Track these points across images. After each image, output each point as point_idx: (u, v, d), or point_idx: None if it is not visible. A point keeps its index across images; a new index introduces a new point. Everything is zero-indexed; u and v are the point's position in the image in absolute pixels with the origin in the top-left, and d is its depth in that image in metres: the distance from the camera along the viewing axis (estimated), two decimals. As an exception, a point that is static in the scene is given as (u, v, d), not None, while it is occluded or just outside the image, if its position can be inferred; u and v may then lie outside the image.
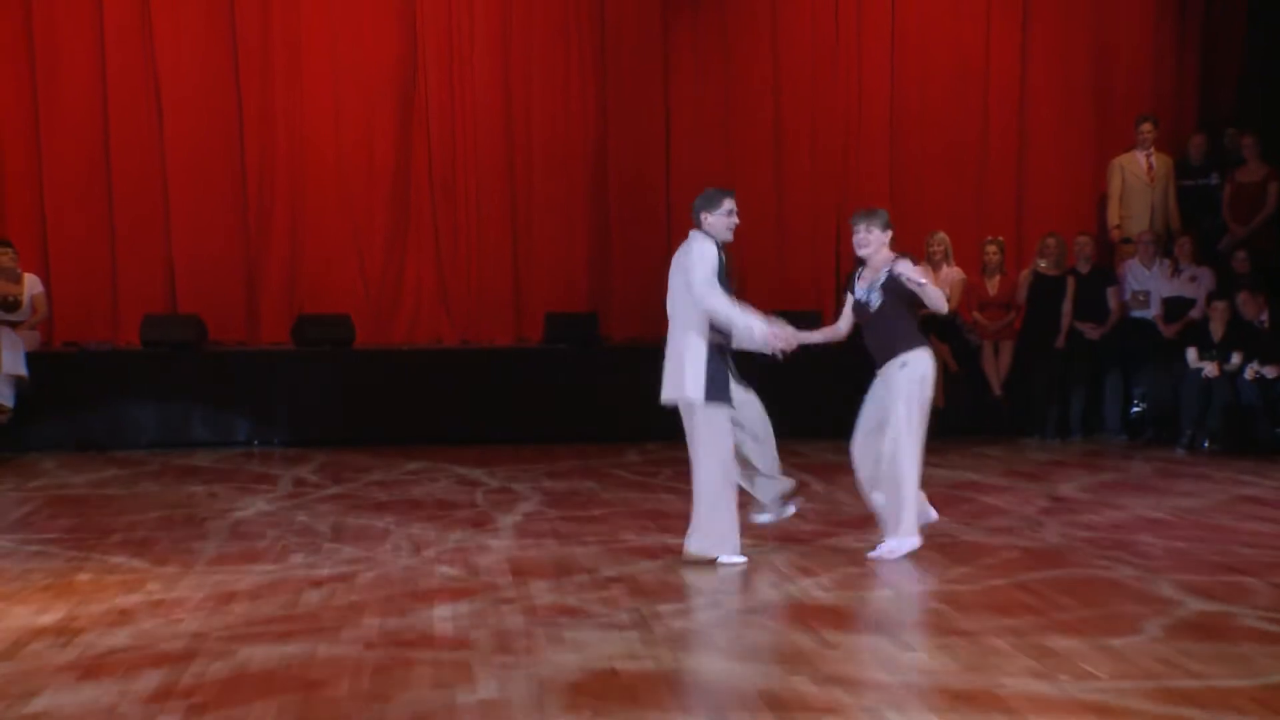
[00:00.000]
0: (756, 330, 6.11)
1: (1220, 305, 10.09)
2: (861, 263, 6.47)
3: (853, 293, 6.50)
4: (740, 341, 6.17)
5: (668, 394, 6.23)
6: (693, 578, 5.94)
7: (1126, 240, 11.32)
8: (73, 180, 11.21)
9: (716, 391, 6.12)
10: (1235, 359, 9.92)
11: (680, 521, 7.25)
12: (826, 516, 7.44)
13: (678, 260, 6.24)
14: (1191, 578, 5.90)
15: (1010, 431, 10.89)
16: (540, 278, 11.65)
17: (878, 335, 6.34)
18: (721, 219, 6.22)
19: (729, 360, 6.22)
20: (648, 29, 11.90)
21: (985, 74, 12.21)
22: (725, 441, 6.16)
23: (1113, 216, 11.50)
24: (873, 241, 6.36)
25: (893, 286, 6.23)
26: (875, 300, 6.30)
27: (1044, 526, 7.11)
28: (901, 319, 6.31)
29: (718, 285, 6.07)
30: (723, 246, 6.23)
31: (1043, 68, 12.24)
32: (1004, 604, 5.44)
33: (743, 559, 6.15)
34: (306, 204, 11.53)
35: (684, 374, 6.12)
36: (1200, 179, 11.40)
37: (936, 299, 6.19)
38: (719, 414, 6.14)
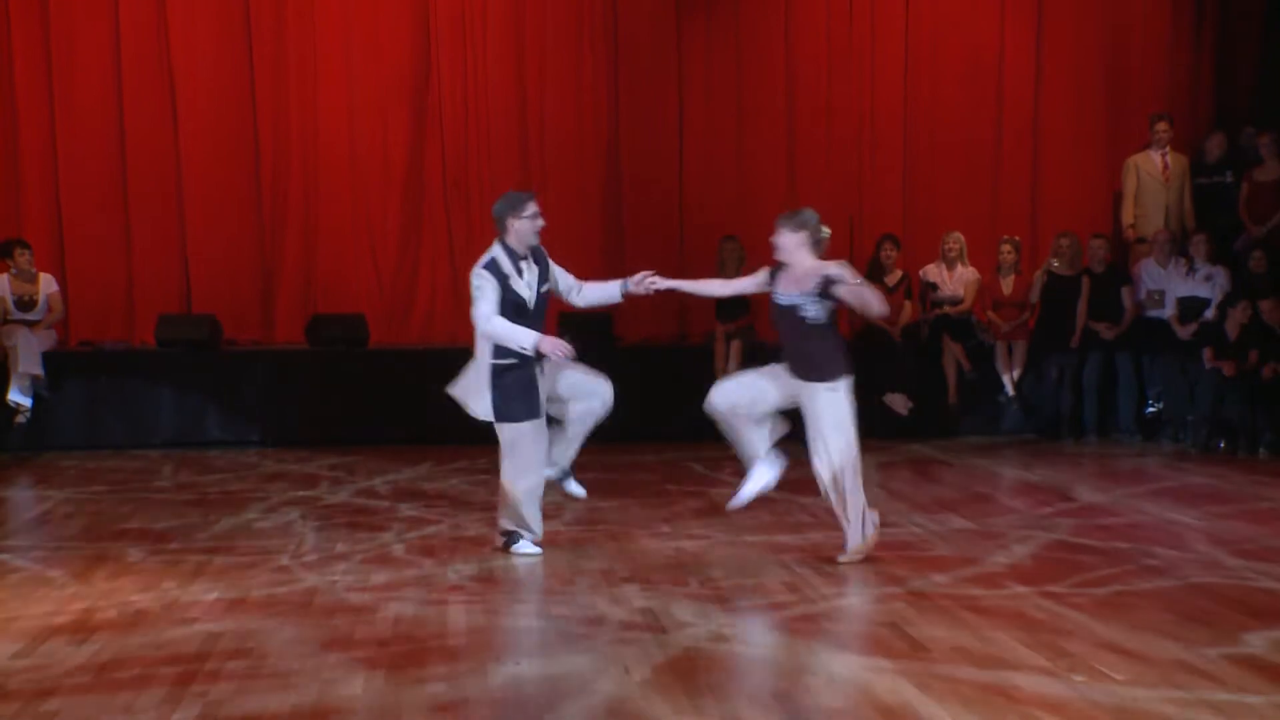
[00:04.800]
0: (529, 341, 6.09)
1: (1237, 308, 10.02)
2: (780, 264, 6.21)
3: (774, 294, 6.19)
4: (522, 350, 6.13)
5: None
6: (704, 576, 5.94)
7: (1141, 240, 11.29)
8: (89, 181, 11.25)
9: (509, 411, 6.19)
10: (1251, 359, 9.88)
11: (694, 517, 7.26)
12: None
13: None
14: (1205, 578, 5.89)
15: (1024, 431, 10.87)
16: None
17: (808, 348, 6.10)
18: (526, 223, 6.28)
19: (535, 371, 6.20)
20: (661, 28, 11.90)
21: (999, 73, 12.18)
22: (528, 455, 6.24)
23: (1127, 216, 11.46)
24: (786, 245, 6.11)
25: (827, 294, 6.00)
26: (812, 310, 6.03)
27: (1058, 527, 7.10)
28: (832, 336, 6.16)
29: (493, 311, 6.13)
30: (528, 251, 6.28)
31: (1057, 67, 12.20)
32: (1018, 604, 5.43)
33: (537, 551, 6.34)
34: (321, 204, 11.56)
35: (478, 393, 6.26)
36: (1216, 177, 11.36)
37: (876, 302, 6.08)
38: (517, 430, 6.22)
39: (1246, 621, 5.16)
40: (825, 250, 6.23)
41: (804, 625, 5.13)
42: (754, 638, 4.96)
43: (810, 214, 6.24)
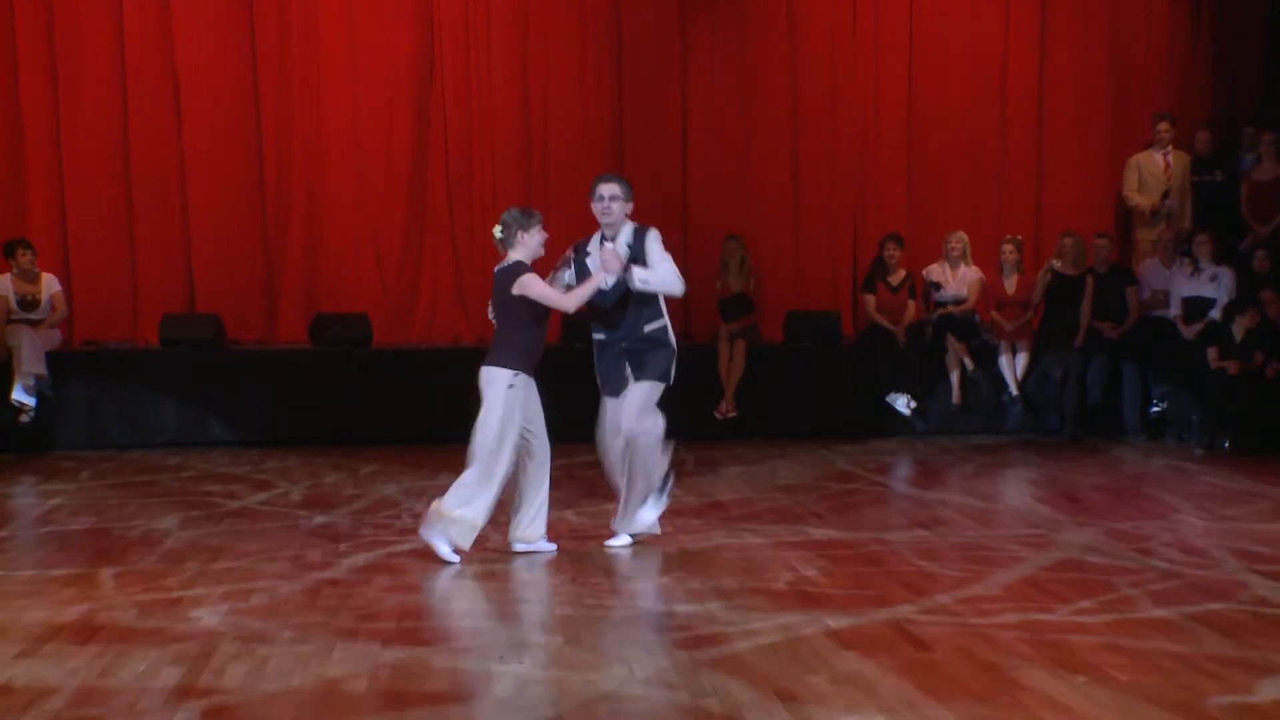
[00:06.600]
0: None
1: (1246, 315, 10.00)
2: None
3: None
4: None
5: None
6: (706, 574, 5.94)
7: (1155, 214, 11.20)
8: (93, 181, 11.25)
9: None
10: (1256, 359, 9.88)
11: (696, 515, 7.25)
12: (842, 514, 7.42)
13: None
14: (1207, 577, 5.88)
15: (1027, 431, 10.86)
16: (556, 263, 11.64)
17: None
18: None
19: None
20: (665, 28, 11.89)
21: (1003, 73, 12.18)
22: None
23: (1131, 196, 11.44)
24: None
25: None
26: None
27: (1062, 526, 7.09)
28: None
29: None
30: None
31: (1060, 66, 12.20)
32: (1022, 604, 5.43)
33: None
34: (324, 204, 11.56)
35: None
36: (1206, 175, 11.35)
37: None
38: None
39: (1258, 627, 5.15)
40: (504, 248, 6.37)
41: (807, 624, 5.12)
42: (756, 637, 4.95)
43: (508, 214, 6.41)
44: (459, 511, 6.15)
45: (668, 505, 6.70)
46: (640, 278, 6.30)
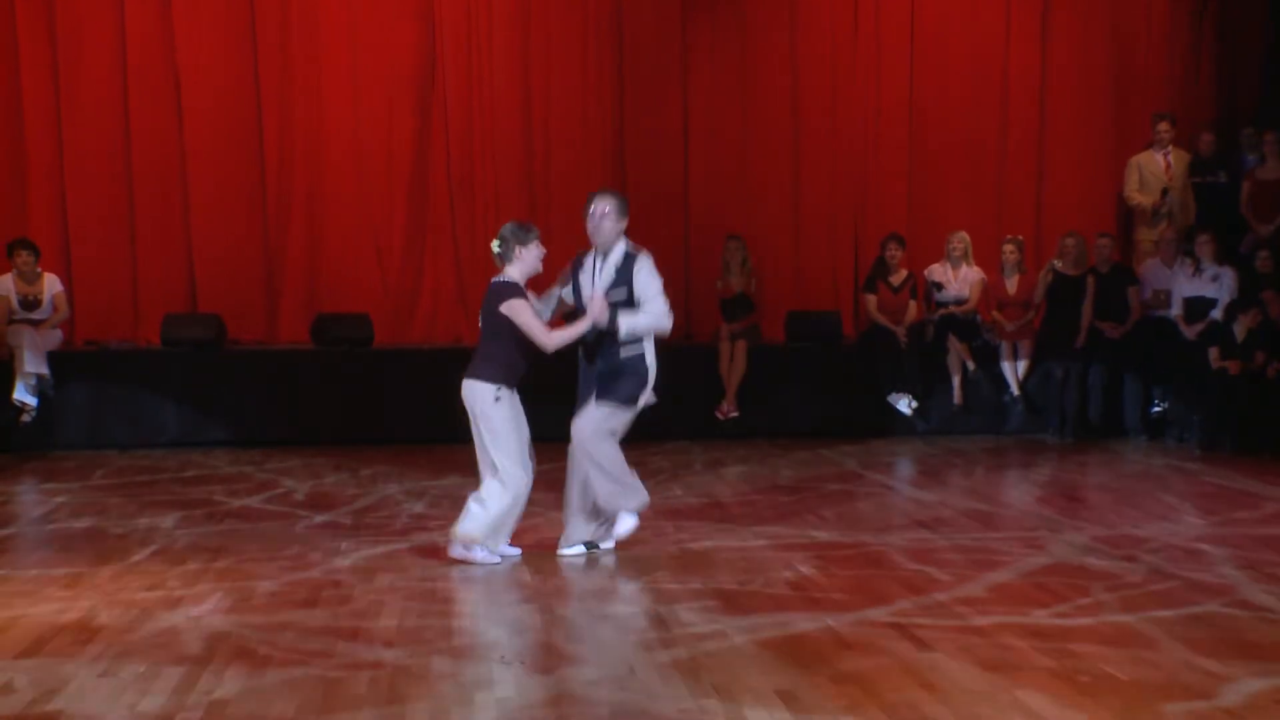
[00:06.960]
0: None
1: (1249, 314, 10.00)
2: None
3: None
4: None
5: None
6: (708, 575, 5.94)
7: (1155, 214, 11.20)
8: (94, 181, 11.25)
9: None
10: (1258, 359, 9.88)
11: (698, 516, 7.25)
12: (842, 514, 7.42)
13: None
14: (1207, 578, 5.88)
15: (1029, 431, 10.86)
16: (558, 277, 11.64)
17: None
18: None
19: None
20: (666, 29, 11.89)
21: (1004, 73, 12.18)
22: None
23: (1132, 196, 11.45)
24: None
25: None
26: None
27: (1062, 527, 7.09)
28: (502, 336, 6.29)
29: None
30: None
31: (1062, 66, 12.20)
32: (1022, 604, 5.43)
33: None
34: (326, 204, 11.56)
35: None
36: (1209, 176, 11.35)
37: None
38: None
39: (1257, 629, 5.15)
40: (501, 263, 6.42)
41: (808, 624, 5.12)
42: (758, 637, 4.95)
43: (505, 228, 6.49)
44: (483, 535, 6.13)
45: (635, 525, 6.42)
46: (626, 330, 6.18)
